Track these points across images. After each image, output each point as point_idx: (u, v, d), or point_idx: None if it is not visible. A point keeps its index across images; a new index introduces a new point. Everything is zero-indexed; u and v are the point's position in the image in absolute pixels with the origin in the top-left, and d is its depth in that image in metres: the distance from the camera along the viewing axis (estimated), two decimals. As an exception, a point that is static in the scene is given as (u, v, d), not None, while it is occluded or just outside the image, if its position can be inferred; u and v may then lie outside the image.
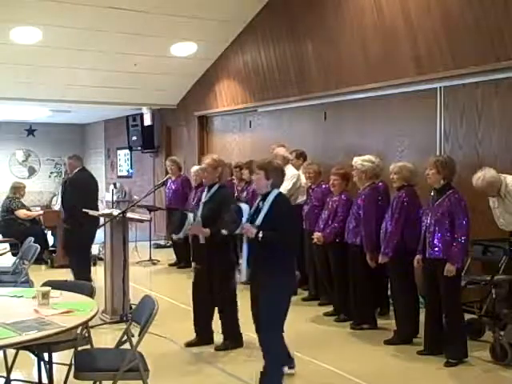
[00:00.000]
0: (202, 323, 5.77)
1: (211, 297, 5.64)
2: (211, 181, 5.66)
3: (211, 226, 5.34)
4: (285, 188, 7.72)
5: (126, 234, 6.53)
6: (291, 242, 4.54)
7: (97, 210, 7.78)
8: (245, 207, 4.68)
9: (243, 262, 4.66)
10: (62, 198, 8.17)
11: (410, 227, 5.59)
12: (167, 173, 9.81)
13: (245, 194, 8.34)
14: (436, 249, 5.14)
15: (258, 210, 4.59)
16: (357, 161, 6.31)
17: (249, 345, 5.54)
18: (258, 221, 4.51)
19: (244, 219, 4.57)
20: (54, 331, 3.30)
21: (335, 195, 6.66)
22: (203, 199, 5.68)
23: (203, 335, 5.74)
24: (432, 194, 5.31)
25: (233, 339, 5.62)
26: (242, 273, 4.69)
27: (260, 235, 4.39)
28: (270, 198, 4.54)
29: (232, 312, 5.64)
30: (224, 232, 4.92)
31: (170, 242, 10.66)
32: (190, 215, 5.64)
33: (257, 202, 4.70)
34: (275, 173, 4.62)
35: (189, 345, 5.72)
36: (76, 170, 7.89)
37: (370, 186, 6.22)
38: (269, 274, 4.44)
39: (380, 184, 6.43)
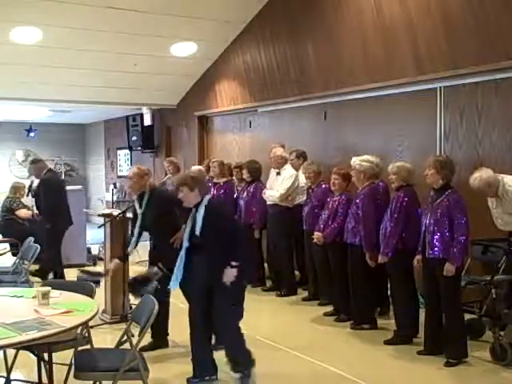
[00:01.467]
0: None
1: None
2: (139, 190, 5.68)
3: (158, 233, 5.52)
4: (284, 188, 7.75)
5: (126, 234, 6.53)
6: (239, 234, 4.73)
7: (68, 207, 8.36)
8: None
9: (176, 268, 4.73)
10: (39, 199, 8.24)
11: (410, 227, 5.59)
12: (167, 173, 9.80)
13: (245, 194, 8.33)
14: (435, 249, 5.15)
15: (193, 219, 4.70)
16: (355, 161, 6.31)
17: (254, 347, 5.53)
18: (197, 229, 4.64)
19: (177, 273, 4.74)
20: (53, 331, 3.30)
21: (335, 195, 6.66)
22: (139, 211, 5.67)
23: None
24: (431, 193, 5.31)
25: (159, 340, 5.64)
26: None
27: (233, 263, 4.52)
28: (202, 205, 4.69)
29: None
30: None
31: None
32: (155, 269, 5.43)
33: (192, 212, 4.75)
34: (195, 182, 4.76)
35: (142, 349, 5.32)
36: (45, 172, 8.26)
37: (368, 186, 6.22)
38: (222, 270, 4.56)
39: (380, 184, 6.43)
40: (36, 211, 10.53)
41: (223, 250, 4.55)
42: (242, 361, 4.68)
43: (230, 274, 4.53)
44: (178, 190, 4.77)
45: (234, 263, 4.53)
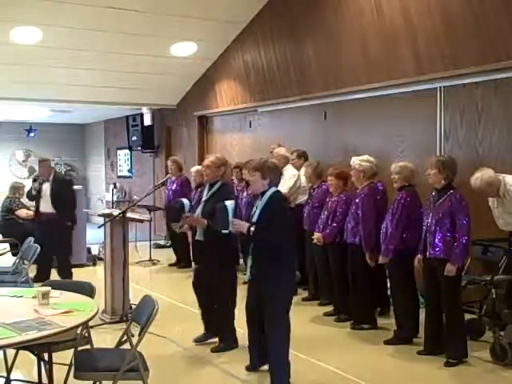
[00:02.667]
0: (206, 320, 5.78)
1: (210, 296, 5.61)
2: (213, 179, 5.59)
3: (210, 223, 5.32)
4: (286, 187, 7.74)
5: (126, 234, 6.53)
6: (285, 237, 4.53)
7: None
8: (229, 204, 4.83)
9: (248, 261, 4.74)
10: (56, 198, 8.06)
11: (411, 228, 5.59)
12: (167, 173, 9.80)
13: (245, 194, 8.34)
14: (437, 249, 5.14)
15: (254, 208, 4.69)
16: (355, 161, 6.31)
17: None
18: (255, 217, 4.59)
19: (230, 216, 4.76)
20: (53, 331, 3.30)
21: (334, 195, 6.66)
22: (204, 197, 5.63)
23: (210, 329, 5.75)
24: (433, 193, 5.30)
25: (228, 341, 5.58)
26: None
27: (252, 229, 4.46)
28: (267, 195, 4.60)
29: (227, 313, 5.57)
30: (224, 232, 4.97)
31: (170, 242, 10.66)
32: (186, 201, 5.69)
33: (255, 200, 4.78)
34: (271, 172, 4.65)
35: (197, 340, 5.75)
36: (54, 172, 8.30)
37: (368, 186, 6.22)
38: (269, 271, 4.52)
39: (378, 184, 6.43)
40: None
41: (272, 247, 4.46)
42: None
43: (239, 224, 4.54)
44: (250, 174, 4.68)
45: (252, 228, 4.46)
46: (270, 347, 4.60)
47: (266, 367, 4.80)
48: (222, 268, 5.44)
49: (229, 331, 5.59)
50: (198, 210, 5.58)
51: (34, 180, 8.33)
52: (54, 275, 7.97)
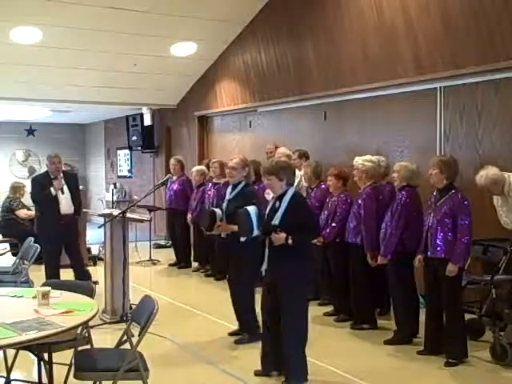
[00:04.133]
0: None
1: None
2: (238, 180, 5.77)
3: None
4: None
5: (125, 234, 6.53)
6: (314, 235, 4.94)
7: None
8: (252, 209, 4.85)
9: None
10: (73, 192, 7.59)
11: (410, 228, 5.58)
12: (167, 173, 9.80)
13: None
14: (438, 248, 5.14)
15: (274, 210, 4.70)
16: (357, 160, 6.31)
17: (254, 345, 5.55)
18: (276, 220, 4.61)
19: (254, 222, 4.79)
20: (53, 331, 3.30)
21: (334, 195, 6.66)
22: (228, 196, 5.81)
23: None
24: (434, 193, 5.30)
25: (251, 333, 5.71)
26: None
27: (290, 241, 4.49)
28: (287, 197, 4.66)
29: (247, 305, 5.75)
30: (242, 239, 5.09)
31: (170, 242, 10.66)
32: (219, 212, 5.75)
33: (272, 202, 4.81)
34: (286, 172, 4.74)
35: (232, 334, 5.95)
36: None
37: (370, 186, 6.21)
38: (291, 265, 4.57)
39: (385, 184, 6.42)
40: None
41: (298, 250, 4.55)
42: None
43: (278, 237, 4.52)
44: (266, 178, 4.78)
45: (289, 241, 4.49)
46: (287, 344, 4.61)
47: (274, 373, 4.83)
48: (241, 263, 5.64)
49: (251, 324, 5.75)
50: (222, 209, 5.76)
51: (52, 179, 7.46)
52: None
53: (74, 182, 7.73)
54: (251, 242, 5.17)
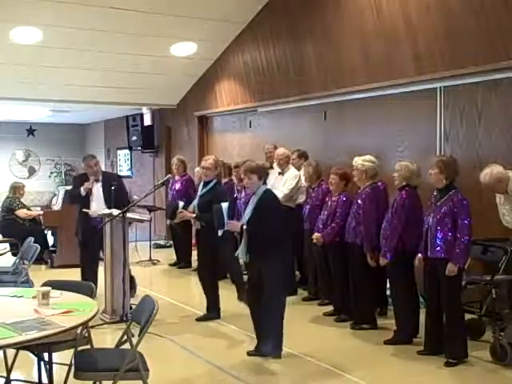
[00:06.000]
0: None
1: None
2: (211, 178, 6.51)
3: (202, 214, 6.25)
4: (288, 188, 7.75)
5: (125, 234, 6.53)
6: (276, 230, 5.09)
7: None
8: (224, 206, 5.59)
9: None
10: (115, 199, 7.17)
11: (410, 228, 5.58)
12: (167, 172, 9.79)
13: (243, 193, 8.32)
14: (438, 248, 5.14)
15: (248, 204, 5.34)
16: (357, 160, 6.30)
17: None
18: (247, 213, 5.20)
19: (225, 216, 5.49)
20: (53, 331, 3.29)
21: (334, 195, 6.66)
22: (200, 192, 6.56)
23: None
24: (434, 193, 5.30)
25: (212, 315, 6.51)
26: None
27: (244, 227, 5.09)
28: (259, 192, 5.23)
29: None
30: (219, 232, 5.76)
31: (170, 242, 10.65)
32: (181, 203, 6.69)
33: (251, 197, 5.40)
34: (265, 172, 5.41)
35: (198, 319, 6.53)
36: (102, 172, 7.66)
37: (370, 186, 6.21)
38: (262, 258, 5.11)
39: (380, 184, 6.42)
40: (41, 211, 10.52)
41: (263, 244, 5.01)
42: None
43: (233, 224, 5.33)
44: (246, 176, 5.27)
45: (244, 227, 5.10)
46: (264, 322, 5.18)
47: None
48: (207, 249, 6.48)
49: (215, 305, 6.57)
50: (194, 203, 6.54)
51: (83, 180, 7.36)
52: (54, 276, 7.95)
53: (109, 184, 7.18)
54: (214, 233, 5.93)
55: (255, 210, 5.15)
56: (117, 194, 7.16)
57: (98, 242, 7.06)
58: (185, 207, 6.59)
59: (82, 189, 7.24)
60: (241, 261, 5.83)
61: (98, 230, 6.70)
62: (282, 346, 5.25)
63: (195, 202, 6.55)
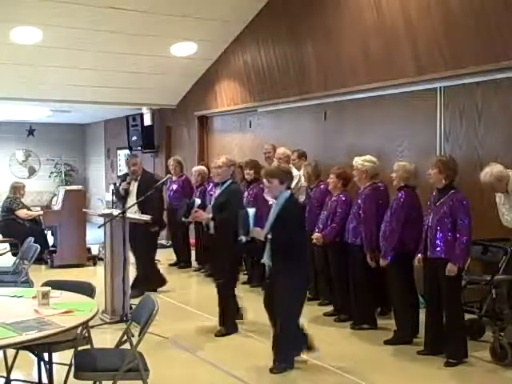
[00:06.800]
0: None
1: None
2: (225, 178, 6.12)
3: (217, 214, 5.89)
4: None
5: (125, 234, 6.53)
6: (299, 240, 4.91)
7: None
8: (251, 211, 5.14)
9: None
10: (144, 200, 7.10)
11: (410, 228, 5.58)
12: (167, 173, 9.79)
13: (246, 194, 8.31)
14: (438, 248, 5.14)
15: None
16: (357, 161, 6.30)
17: (254, 346, 5.54)
18: (270, 220, 5.00)
19: (251, 223, 5.04)
20: (53, 331, 3.30)
21: (334, 195, 6.66)
22: (216, 194, 6.22)
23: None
24: (434, 193, 5.30)
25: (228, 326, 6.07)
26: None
27: (269, 236, 4.89)
28: (281, 199, 5.02)
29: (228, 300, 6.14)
30: (242, 239, 5.31)
31: (170, 242, 10.65)
32: (197, 200, 6.22)
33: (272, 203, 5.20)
34: (287, 176, 5.12)
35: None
36: (142, 171, 7.69)
37: (370, 186, 6.21)
38: (284, 267, 4.90)
39: (380, 184, 6.42)
40: (41, 211, 10.51)
41: (284, 250, 4.84)
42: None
43: (258, 231, 5.01)
44: (266, 180, 5.09)
45: (269, 236, 4.90)
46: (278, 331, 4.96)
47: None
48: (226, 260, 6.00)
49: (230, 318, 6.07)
50: (210, 205, 6.20)
51: (124, 179, 7.62)
52: (54, 276, 7.95)
53: (145, 186, 7.24)
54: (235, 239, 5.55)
55: (278, 219, 4.95)
56: (147, 197, 7.11)
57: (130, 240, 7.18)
58: (200, 206, 6.17)
59: (120, 187, 7.54)
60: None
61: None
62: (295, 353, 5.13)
63: (211, 203, 6.25)
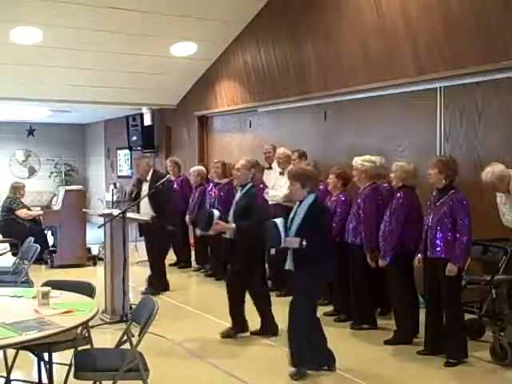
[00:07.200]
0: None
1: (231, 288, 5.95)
2: (244, 181, 5.93)
3: (240, 222, 5.70)
4: (288, 187, 7.73)
5: (125, 234, 6.53)
6: (325, 245, 4.84)
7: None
8: (279, 221, 4.93)
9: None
10: (157, 201, 7.51)
11: (409, 228, 5.58)
12: (167, 173, 9.79)
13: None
14: (438, 248, 5.14)
15: (294, 215, 4.92)
16: (357, 160, 6.31)
17: (254, 346, 5.54)
18: (295, 226, 4.85)
19: (282, 233, 4.85)
20: (53, 331, 3.30)
21: (334, 195, 6.66)
22: (236, 198, 6.01)
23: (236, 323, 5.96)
24: (434, 193, 5.30)
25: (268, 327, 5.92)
26: None
27: (304, 243, 4.70)
28: (306, 203, 4.88)
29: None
30: (272, 252, 5.27)
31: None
32: (216, 212, 5.99)
33: (295, 207, 4.99)
34: (310, 180, 4.95)
35: (224, 336, 5.92)
36: (152, 171, 7.83)
37: (370, 186, 6.21)
38: (304, 270, 4.79)
39: (385, 185, 6.42)
40: (41, 211, 10.54)
41: (311, 254, 4.71)
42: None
43: (291, 241, 4.77)
44: (290, 183, 4.97)
45: (304, 242, 4.69)
46: (290, 343, 4.86)
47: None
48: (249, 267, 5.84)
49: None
50: (231, 210, 5.97)
51: (139, 181, 7.81)
52: (54, 276, 7.95)
53: (165, 190, 7.52)
54: (258, 244, 5.45)
55: (303, 225, 4.81)
56: (156, 197, 7.42)
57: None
58: (221, 217, 5.94)
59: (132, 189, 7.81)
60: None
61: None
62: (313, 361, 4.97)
63: (232, 209, 6.02)
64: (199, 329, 6.35)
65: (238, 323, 5.93)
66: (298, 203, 4.97)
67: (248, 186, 5.92)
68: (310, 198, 4.89)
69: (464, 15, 6.58)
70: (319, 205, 5.00)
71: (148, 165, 7.90)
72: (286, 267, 4.94)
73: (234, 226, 5.73)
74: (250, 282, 5.90)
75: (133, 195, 7.81)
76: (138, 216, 7.35)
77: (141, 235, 8.23)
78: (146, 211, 7.54)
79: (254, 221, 5.58)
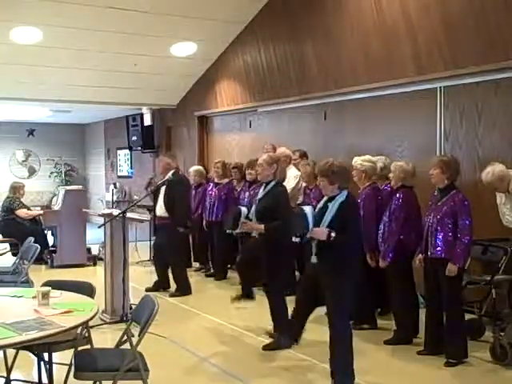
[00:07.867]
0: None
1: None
2: (266, 177, 5.69)
3: (265, 222, 5.47)
4: (288, 188, 7.73)
5: (125, 234, 6.53)
6: (357, 242, 4.72)
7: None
8: (308, 211, 4.71)
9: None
10: (171, 200, 7.56)
11: (409, 228, 5.58)
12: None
13: (247, 194, 8.30)
14: (438, 248, 5.14)
15: (324, 211, 4.69)
16: (356, 161, 6.31)
17: (255, 347, 5.54)
18: (325, 221, 4.61)
19: (310, 222, 4.62)
20: (53, 331, 3.30)
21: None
22: (259, 196, 5.76)
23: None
24: (435, 193, 5.30)
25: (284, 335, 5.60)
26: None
27: (333, 234, 4.49)
28: (339, 200, 4.65)
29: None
30: (296, 240, 4.94)
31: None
32: (244, 209, 5.78)
33: (323, 201, 4.79)
34: (337, 176, 4.67)
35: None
36: (173, 171, 7.77)
37: (369, 186, 6.21)
38: (337, 271, 4.65)
39: (387, 186, 6.40)
40: (41, 211, 10.54)
41: (339, 250, 4.55)
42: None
43: (320, 232, 4.55)
44: (320, 179, 4.80)
45: (333, 234, 4.49)
46: (333, 346, 4.83)
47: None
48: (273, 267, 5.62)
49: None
50: (253, 208, 5.73)
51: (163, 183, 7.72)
52: (54, 276, 7.95)
53: (172, 188, 7.55)
54: (288, 243, 5.23)
55: (333, 223, 4.60)
56: (169, 197, 7.50)
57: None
58: (248, 217, 5.72)
59: (149, 188, 7.98)
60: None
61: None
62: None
63: (253, 207, 5.79)
64: (199, 329, 6.35)
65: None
66: (327, 198, 4.75)
67: (272, 184, 5.67)
68: (342, 196, 4.66)
69: (464, 15, 6.58)
70: (351, 204, 4.73)
71: (167, 163, 7.78)
72: (312, 261, 4.75)
73: (262, 226, 5.50)
74: (271, 286, 5.69)
75: (148, 189, 8.06)
76: (138, 216, 7.36)
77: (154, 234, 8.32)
78: (161, 211, 7.67)
79: (281, 222, 5.34)
